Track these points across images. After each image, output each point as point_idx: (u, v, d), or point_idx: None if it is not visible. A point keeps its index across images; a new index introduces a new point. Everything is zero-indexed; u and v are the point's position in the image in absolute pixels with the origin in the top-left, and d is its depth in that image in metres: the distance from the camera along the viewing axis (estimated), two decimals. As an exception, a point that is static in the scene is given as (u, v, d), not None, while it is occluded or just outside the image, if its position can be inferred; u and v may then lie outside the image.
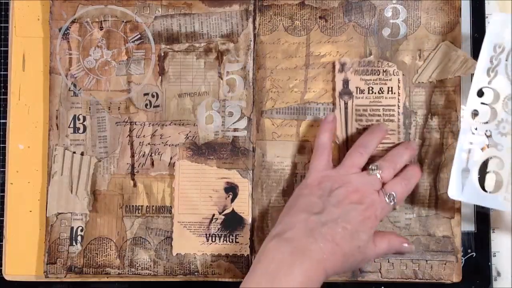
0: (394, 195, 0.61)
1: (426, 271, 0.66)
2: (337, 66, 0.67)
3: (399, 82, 0.67)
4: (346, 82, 0.67)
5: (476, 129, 0.63)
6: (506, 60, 0.62)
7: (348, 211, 0.59)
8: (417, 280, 0.67)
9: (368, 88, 0.67)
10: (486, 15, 0.70)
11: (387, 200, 0.61)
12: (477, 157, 0.63)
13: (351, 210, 0.59)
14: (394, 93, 0.67)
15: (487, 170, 0.63)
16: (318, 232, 0.58)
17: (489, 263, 0.69)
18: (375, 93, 0.67)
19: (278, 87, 0.68)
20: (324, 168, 0.63)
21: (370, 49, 0.68)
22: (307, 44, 0.68)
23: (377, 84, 0.67)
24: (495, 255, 0.69)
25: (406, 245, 0.62)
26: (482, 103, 0.63)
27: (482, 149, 0.63)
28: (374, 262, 0.67)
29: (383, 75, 0.67)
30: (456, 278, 0.66)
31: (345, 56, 0.67)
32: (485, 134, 0.63)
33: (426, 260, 0.67)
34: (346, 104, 0.67)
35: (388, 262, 0.67)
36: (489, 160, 0.63)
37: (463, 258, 0.68)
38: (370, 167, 0.62)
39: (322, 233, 0.58)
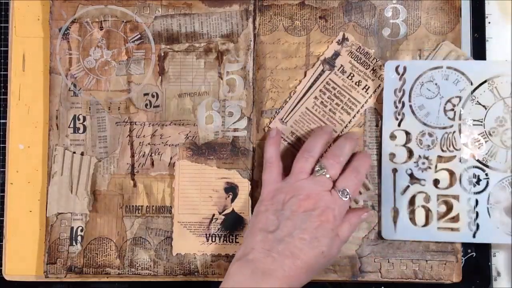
0: (347, 190, 0.61)
1: (426, 271, 0.66)
2: (339, 37, 0.67)
3: (377, 88, 0.67)
4: (336, 55, 0.67)
5: (396, 170, 0.66)
6: (410, 102, 0.65)
7: (303, 221, 0.59)
8: (417, 280, 0.67)
9: (350, 73, 0.67)
10: (486, 15, 0.70)
11: (341, 196, 0.61)
12: (402, 196, 0.66)
13: (305, 219, 0.59)
14: (367, 93, 0.67)
15: (415, 206, 0.66)
16: (275, 251, 0.58)
17: (489, 263, 0.69)
18: (352, 81, 0.67)
19: (278, 87, 0.68)
20: (274, 180, 0.63)
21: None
22: (307, 44, 0.68)
23: (360, 75, 0.67)
24: (495, 255, 0.69)
25: (364, 215, 0.64)
26: (396, 145, 0.66)
27: (406, 188, 0.66)
28: (374, 262, 0.67)
29: (370, 72, 0.67)
30: (456, 278, 0.66)
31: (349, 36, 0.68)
32: (406, 172, 0.66)
33: (426, 260, 0.67)
34: (322, 72, 0.67)
35: (388, 262, 0.67)
36: (415, 196, 0.66)
37: (463, 258, 0.68)
38: (315, 169, 0.62)
39: (279, 251, 0.58)
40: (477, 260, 0.69)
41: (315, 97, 0.68)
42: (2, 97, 0.71)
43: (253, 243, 0.60)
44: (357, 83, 0.68)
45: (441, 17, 0.68)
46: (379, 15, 0.68)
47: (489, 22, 0.70)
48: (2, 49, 0.72)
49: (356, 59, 0.68)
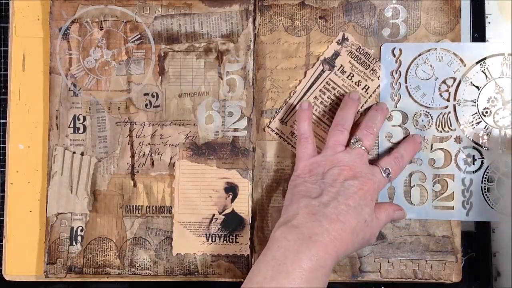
0: (389, 170, 0.63)
1: (426, 271, 0.66)
2: (339, 37, 0.67)
3: (377, 88, 0.67)
4: (336, 55, 0.68)
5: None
6: (406, 83, 0.67)
7: (346, 188, 0.60)
8: (417, 280, 0.67)
9: (350, 73, 0.67)
10: (486, 15, 0.70)
11: (383, 174, 0.62)
12: (399, 175, 0.66)
13: (348, 187, 0.60)
14: (367, 93, 0.67)
15: (412, 185, 0.67)
16: (322, 214, 0.58)
17: (489, 263, 0.69)
18: (352, 81, 0.67)
19: (278, 87, 0.68)
20: (310, 155, 0.63)
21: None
22: (307, 44, 0.68)
23: (359, 75, 0.68)
24: (495, 255, 0.69)
25: (397, 212, 0.64)
26: (393, 126, 0.67)
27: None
28: (374, 262, 0.67)
29: (370, 72, 0.68)
30: (456, 278, 0.66)
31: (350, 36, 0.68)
32: None
33: (426, 260, 0.67)
34: (322, 72, 0.67)
35: (388, 262, 0.67)
36: (412, 175, 0.67)
37: (463, 258, 0.68)
38: (351, 142, 0.63)
39: (326, 214, 0.58)
40: (477, 260, 0.69)
41: (315, 97, 0.68)
42: (2, 97, 0.71)
43: (297, 209, 0.59)
44: (357, 83, 0.68)
45: (441, 17, 0.68)
46: (379, 15, 0.68)
47: (489, 22, 0.70)
48: (2, 49, 0.72)
49: (356, 59, 0.68)
